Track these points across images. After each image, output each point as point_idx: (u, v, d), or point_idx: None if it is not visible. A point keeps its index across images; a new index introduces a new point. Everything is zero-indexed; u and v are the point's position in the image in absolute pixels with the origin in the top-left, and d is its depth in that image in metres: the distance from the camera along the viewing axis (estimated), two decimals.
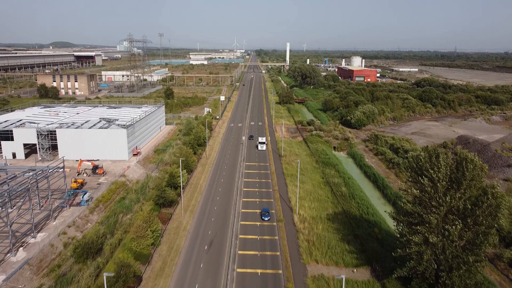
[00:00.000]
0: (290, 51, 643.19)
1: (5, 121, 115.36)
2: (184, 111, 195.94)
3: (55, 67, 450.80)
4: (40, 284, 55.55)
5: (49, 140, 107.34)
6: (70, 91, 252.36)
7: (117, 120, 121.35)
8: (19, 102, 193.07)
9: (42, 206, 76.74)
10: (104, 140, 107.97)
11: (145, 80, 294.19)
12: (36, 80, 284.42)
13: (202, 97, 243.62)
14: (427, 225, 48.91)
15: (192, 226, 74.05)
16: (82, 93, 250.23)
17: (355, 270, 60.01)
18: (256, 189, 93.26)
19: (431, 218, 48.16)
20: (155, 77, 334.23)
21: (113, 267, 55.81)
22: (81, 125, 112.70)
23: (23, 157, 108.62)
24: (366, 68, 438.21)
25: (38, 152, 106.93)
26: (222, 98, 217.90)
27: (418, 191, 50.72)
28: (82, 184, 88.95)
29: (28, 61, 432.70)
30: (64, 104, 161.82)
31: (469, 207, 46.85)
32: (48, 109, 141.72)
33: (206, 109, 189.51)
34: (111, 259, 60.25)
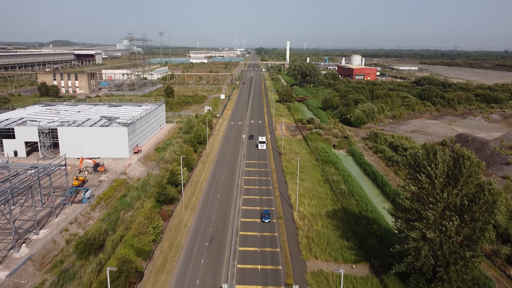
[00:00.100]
0: (290, 49, 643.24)
1: (7, 119, 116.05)
2: (184, 110, 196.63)
3: (55, 66, 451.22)
4: (43, 279, 56.29)
5: (50, 138, 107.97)
6: (70, 90, 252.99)
7: (118, 118, 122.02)
8: (20, 101, 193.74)
9: (44, 203, 77.46)
10: (105, 138, 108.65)
11: (145, 78, 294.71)
12: (37, 79, 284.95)
13: (202, 95, 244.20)
14: (424, 221, 49.67)
15: (192, 223, 74.81)
16: (82, 91, 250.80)
17: (354, 266, 60.77)
18: (256, 187, 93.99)
19: (429, 214, 48.90)
20: (155, 76, 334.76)
21: (115, 263, 56.54)
22: (82, 123, 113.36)
23: (24, 155, 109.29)
24: (366, 67, 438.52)
25: (39, 150, 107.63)
26: (222, 96, 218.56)
27: (416, 187, 51.47)
28: (83, 182, 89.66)
29: (28, 59, 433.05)
30: (65, 103, 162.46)
31: (466, 203, 47.62)
32: (49, 107, 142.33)
33: (207, 108, 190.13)
34: (113, 255, 61.01)
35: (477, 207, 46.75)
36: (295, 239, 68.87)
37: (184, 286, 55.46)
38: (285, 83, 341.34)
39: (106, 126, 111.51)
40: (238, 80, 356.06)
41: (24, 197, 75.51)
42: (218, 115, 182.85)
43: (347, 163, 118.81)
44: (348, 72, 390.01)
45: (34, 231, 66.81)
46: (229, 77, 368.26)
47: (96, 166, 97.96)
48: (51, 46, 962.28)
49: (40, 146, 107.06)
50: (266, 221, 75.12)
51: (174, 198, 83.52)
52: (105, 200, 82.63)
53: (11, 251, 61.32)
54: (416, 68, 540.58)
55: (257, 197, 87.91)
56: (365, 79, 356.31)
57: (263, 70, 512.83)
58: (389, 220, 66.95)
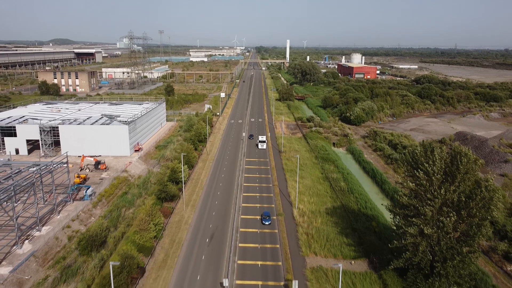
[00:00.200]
0: (290, 48, 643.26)
1: (8, 118, 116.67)
2: (184, 108, 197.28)
3: (55, 64, 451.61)
4: (46, 275, 57.06)
5: (51, 136, 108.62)
6: (71, 88, 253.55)
7: (119, 116, 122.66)
8: (20, 99, 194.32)
9: (46, 201, 78.18)
10: (106, 136, 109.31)
11: (146, 77, 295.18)
12: (37, 77, 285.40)
13: (202, 94, 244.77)
14: (422, 217, 50.38)
15: (193, 220, 75.55)
16: (83, 90, 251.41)
17: (353, 262, 61.51)
18: (256, 184, 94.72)
19: (426, 210, 49.60)
20: (156, 74, 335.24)
21: (117, 259, 57.19)
22: (83, 121, 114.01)
23: (26, 153, 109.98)
24: (366, 65, 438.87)
25: (40, 148, 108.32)
26: (222, 95, 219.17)
27: (413, 184, 52.18)
28: (85, 179, 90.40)
29: (28, 58, 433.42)
30: (66, 101, 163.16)
31: (463, 199, 48.29)
32: (50, 105, 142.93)
33: (207, 106, 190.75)
34: (114, 251, 61.71)
35: (474, 203, 47.42)
36: (295, 235, 69.60)
37: (185, 282, 56.22)
38: (285, 82, 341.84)
39: (107, 124, 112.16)
40: (238, 78, 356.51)
41: (26, 195, 76.19)
42: (218, 114, 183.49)
43: (347, 161, 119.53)
44: (348, 71, 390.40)
45: (37, 227, 67.53)
46: (229, 75, 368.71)
47: (97, 164, 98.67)
48: (51, 44, 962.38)
49: (42, 144, 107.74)
50: (266, 223, 73.42)
51: (175, 196, 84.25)
52: (106, 197, 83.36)
53: (14, 247, 62.07)
54: (416, 66, 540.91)
55: (257, 194, 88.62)
56: (365, 77, 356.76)
57: (263, 68, 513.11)
58: (388, 217, 67.64)
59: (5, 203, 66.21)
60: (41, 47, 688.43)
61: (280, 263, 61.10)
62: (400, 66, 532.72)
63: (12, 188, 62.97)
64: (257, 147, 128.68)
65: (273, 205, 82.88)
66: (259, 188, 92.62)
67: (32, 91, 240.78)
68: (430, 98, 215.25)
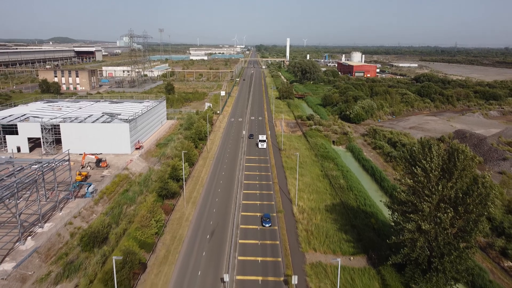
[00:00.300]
0: (290, 46, 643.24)
1: (9, 116, 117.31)
2: (185, 106, 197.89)
3: (56, 63, 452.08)
4: (49, 271, 57.83)
5: (53, 134, 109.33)
6: (71, 87, 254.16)
7: (120, 114, 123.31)
8: (21, 97, 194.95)
9: (48, 198, 78.90)
10: (107, 134, 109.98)
11: (146, 75, 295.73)
12: (38, 76, 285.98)
13: (203, 92, 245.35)
14: (420, 213, 51.11)
15: (194, 217, 76.29)
16: (83, 88, 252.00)
17: (351, 258, 62.27)
18: (257, 182, 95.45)
19: (424, 206, 50.33)
20: (156, 73, 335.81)
21: (119, 254, 57.92)
22: (84, 119, 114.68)
23: (27, 150, 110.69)
24: (366, 64, 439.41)
25: (42, 146, 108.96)
26: (223, 93, 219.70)
27: (411, 181, 52.89)
28: (86, 177, 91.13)
29: (28, 56, 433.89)
30: (67, 99, 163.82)
31: (460, 195, 49.03)
32: (51, 104, 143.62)
33: (207, 104, 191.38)
34: (116, 248, 62.45)
35: (471, 200, 48.13)
36: (295, 232, 70.36)
37: (186, 277, 56.99)
38: (285, 80, 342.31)
39: (108, 122, 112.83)
40: (238, 77, 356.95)
41: (29, 192, 76.93)
42: (218, 112, 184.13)
43: (346, 158, 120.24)
44: (348, 69, 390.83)
45: (39, 224, 68.27)
46: (229, 74, 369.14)
47: (99, 161, 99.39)
48: (51, 43, 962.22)
49: (43, 142, 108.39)
50: (267, 225, 72.02)
51: (176, 193, 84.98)
52: (107, 194, 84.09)
53: (17, 243, 62.83)
54: (416, 65, 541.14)
55: (257, 191, 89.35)
56: (365, 76, 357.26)
57: (263, 67, 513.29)
58: (387, 214, 68.37)
59: (8, 200, 67.11)
60: (41, 46, 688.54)
61: (280, 259, 61.86)
62: (400, 65, 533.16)
63: (14, 185, 63.66)
64: (257, 146, 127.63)
65: (273, 202, 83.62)
66: (259, 185, 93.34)
67: (32, 90, 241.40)
68: (430, 96, 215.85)
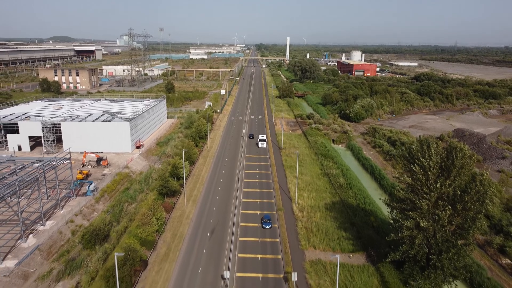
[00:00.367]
0: (290, 45, 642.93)
1: (10, 114, 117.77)
2: (185, 105, 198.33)
3: (56, 62, 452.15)
4: (51, 268, 58.34)
5: (53, 133, 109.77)
6: (71, 85, 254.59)
7: (120, 113, 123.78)
8: (21, 96, 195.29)
9: (49, 196, 79.40)
10: (108, 133, 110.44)
11: (146, 74, 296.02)
12: (38, 75, 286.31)
13: (203, 91, 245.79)
14: (418, 210, 51.59)
15: (194, 215, 76.80)
16: (83, 87, 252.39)
17: (351, 255, 62.78)
18: (257, 180, 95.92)
19: (423, 204, 50.81)
20: (156, 72, 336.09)
21: (120, 252, 58.39)
22: (85, 118, 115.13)
23: (28, 149, 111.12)
24: (366, 63, 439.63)
25: (43, 144, 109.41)
26: (223, 92, 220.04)
27: (410, 178, 53.38)
28: (87, 175, 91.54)
29: (28, 55, 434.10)
30: (67, 98, 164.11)
31: (458, 193, 49.47)
32: (51, 102, 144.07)
33: (207, 103, 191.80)
34: (117, 245, 62.91)
35: (469, 197, 48.59)
36: (294, 230, 70.86)
37: (187, 274, 57.50)
38: (285, 79, 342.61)
39: (109, 121, 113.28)
40: (238, 76, 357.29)
41: (30, 190, 77.41)
42: (218, 111, 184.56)
43: (346, 157, 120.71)
44: (348, 68, 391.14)
45: (41, 222, 68.79)
46: (229, 73, 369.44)
47: (99, 160, 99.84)
48: (51, 42, 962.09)
49: (44, 140, 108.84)
50: (267, 227, 70.68)
51: (176, 191, 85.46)
52: (108, 193, 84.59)
53: (19, 241, 63.33)
54: (416, 64, 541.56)
55: (257, 190, 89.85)
56: (365, 75, 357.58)
57: (263, 66, 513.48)
58: (386, 212, 68.85)
59: (9, 198, 67.55)
60: (41, 45, 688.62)
61: (279, 256, 62.37)
62: (400, 64, 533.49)
63: (16, 183, 64.15)
64: (257, 146, 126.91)
65: (273, 201, 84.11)
66: (259, 183, 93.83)
67: (33, 89, 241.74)
68: (429, 95, 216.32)
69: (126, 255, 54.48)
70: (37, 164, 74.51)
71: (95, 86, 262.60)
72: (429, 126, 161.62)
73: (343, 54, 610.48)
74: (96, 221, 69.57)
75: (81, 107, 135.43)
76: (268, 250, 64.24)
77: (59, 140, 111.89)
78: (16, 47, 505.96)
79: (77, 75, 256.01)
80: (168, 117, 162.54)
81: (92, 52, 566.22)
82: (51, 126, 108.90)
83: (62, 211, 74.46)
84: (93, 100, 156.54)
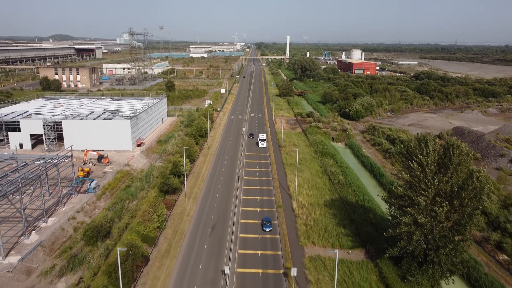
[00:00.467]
0: (290, 44, 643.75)
1: (12, 113, 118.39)
2: (185, 103, 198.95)
3: (56, 60, 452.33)
4: (53, 264, 59.10)
5: (55, 131, 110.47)
6: (72, 84, 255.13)
7: (121, 111, 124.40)
8: (22, 95, 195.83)
9: (51, 193, 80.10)
10: (109, 131, 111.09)
11: (146, 73, 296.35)
12: (38, 73, 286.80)
13: (203, 89, 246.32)
14: (416, 207, 52.31)
15: (195, 212, 77.53)
16: (84, 85, 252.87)
17: (350, 251, 63.53)
18: (257, 178, 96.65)
19: (420, 200, 51.52)
20: (156, 70, 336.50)
21: (122, 248, 59.12)
22: (86, 116, 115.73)
23: (29, 147, 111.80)
24: (366, 61, 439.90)
25: (44, 142, 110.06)
26: (223, 90, 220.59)
27: (408, 175, 54.07)
28: (88, 173, 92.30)
29: (28, 54, 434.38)
30: (68, 96, 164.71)
31: (456, 190, 50.18)
32: (52, 101, 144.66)
33: (207, 101, 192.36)
34: (119, 241, 63.62)
35: (466, 194, 49.27)
36: (294, 226, 71.61)
37: (188, 270, 58.25)
38: (285, 78, 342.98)
39: (110, 119, 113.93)
40: (238, 74, 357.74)
41: (32, 187, 78.06)
42: (218, 109, 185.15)
43: (345, 155, 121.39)
44: (347, 67, 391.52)
45: (43, 219, 69.52)
46: (229, 71, 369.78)
47: (100, 158, 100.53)
48: (51, 40, 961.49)
49: (45, 138, 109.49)
50: (267, 229, 69.40)
51: (177, 188, 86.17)
52: (110, 190, 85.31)
53: (22, 237, 64.06)
54: (416, 62, 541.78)
55: (257, 187, 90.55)
56: (365, 73, 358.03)
57: (263, 64, 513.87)
58: (385, 209, 69.59)
59: (11, 195, 68.21)
60: (41, 43, 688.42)
61: (279, 253, 63.12)
62: (400, 62, 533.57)
63: (19, 181, 64.83)
64: (257, 145, 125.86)
65: (272, 198, 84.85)
66: (259, 181, 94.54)
67: (33, 87, 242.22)
68: (429, 93, 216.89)
69: (128, 250, 55.19)
70: (39, 162, 75.14)
71: (95, 84, 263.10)
72: (429, 124, 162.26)
73: (343, 53, 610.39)
74: (98, 218, 70.33)
75: (82, 105, 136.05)
76: (268, 247, 64.98)
77: (60, 138, 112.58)
78: (16, 46, 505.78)
79: (77, 74, 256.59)
80: (168, 116, 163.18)
81: (92, 50, 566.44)
82: (52, 124, 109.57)
83: (64, 208, 75.19)
84: (93, 98, 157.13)
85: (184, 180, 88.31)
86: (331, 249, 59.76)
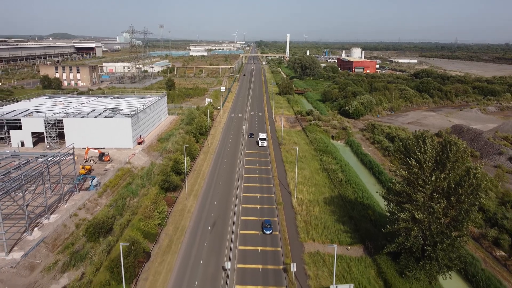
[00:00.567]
0: (290, 42, 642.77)
1: (13, 111, 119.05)
2: (185, 102, 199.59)
3: (56, 59, 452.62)
4: (56, 259, 59.87)
5: (56, 129, 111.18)
6: (72, 82, 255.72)
7: (122, 109, 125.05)
8: (23, 93, 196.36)
9: (53, 191, 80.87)
10: (110, 129, 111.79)
11: (146, 71, 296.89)
12: (39, 71, 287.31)
13: (203, 88, 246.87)
14: (414, 203, 53.07)
15: (196, 209, 78.30)
16: (84, 84, 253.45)
17: (349, 247, 64.31)
18: (257, 175, 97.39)
19: (418, 196, 52.27)
20: (156, 69, 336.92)
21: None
22: (87, 114, 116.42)
23: (31, 145, 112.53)
24: (366, 60, 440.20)
25: (45, 140, 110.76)
26: (223, 89, 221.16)
27: (406, 172, 54.80)
28: (90, 170, 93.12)
29: (29, 52, 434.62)
30: (69, 95, 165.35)
31: (453, 186, 50.91)
32: (53, 99, 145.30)
33: (207, 100, 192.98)
34: (121, 238, 64.40)
35: (463, 190, 50.00)
36: (294, 223, 72.38)
37: (189, 265, 59.04)
38: (285, 76, 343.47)
39: (110, 117, 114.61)
40: (238, 73, 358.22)
41: (34, 185, 78.75)
42: (218, 107, 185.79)
43: (345, 153, 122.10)
44: (347, 65, 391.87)
45: (45, 216, 70.29)
46: (229, 69, 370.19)
47: (102, 155, 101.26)
48: (50, 39, 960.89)
49: (46, 136, 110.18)
50: (268, 232, 68.19)
51: (178, 186, 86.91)
52: (111, 187, 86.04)
53: (24, 234, 64.83)
54: (416, 61, 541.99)
55: (257, 184, 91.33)
56: (365, 71, 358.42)
57: (263, 63, 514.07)
58: (383, 205, 70.30)
59: (14, 192, 68.94)
60: (41, 42, 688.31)
61: (279, 249, 63.91)
62: (400, 61, 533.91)
63: (22, 177, 65.58)
64: (257, 144, 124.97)
65: (272, 195, 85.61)
66: (259, 178, 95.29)
67: (33, 85, 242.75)
68: (428, 92, 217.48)
69: (129, 246, 55.94)
70: (42, 159, 75.91)
71: (95, 83, 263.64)
72: (428, 122, 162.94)
73: (343, 51, 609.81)
74: (100, 214, 71.07)
75: (82, 103, 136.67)
76: (268, 243, 65.76)
77: (61, 136, 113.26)
78: (16, 44, 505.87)
79: (77, 72, 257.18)
80: (168, 114, 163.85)
81: (92, 49, 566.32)
82: (53, 122, 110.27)
83: (66, 205, 75.96)
84: (94, 96, 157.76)
85: (184, 177, 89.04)
86: (332, 251, 60.46)
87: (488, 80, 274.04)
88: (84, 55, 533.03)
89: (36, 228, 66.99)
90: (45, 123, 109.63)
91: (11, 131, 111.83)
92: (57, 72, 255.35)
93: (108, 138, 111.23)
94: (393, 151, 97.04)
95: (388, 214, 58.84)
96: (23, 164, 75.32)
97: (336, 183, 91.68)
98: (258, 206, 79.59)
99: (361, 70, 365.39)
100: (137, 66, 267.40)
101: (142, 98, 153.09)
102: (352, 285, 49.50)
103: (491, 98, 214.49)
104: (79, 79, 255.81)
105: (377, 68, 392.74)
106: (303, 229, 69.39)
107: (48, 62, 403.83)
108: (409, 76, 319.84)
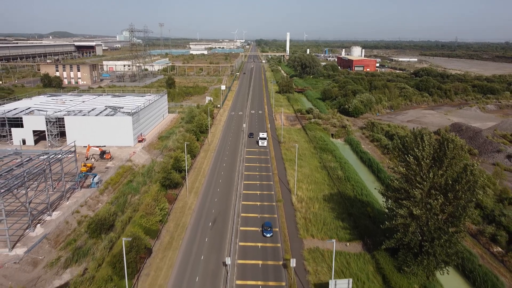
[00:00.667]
0: (290, 41, 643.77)
1: (14, 109, 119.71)
2: (185, 100, 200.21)
3: (56, 57, 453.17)
4: (58, 256, 60.66)
5: (57, 127, 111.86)
6: (73, 81, 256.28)
7: (122, 108, 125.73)
8: (23, 91, 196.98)
9: (55, 188, 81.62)
10: (110, 127, 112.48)
11: (146, 69, 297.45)
12: (39, 70, 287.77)
13: (203, 86, 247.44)
14: (412, 199, 53.79)
15: (196, 206, 79.05)
16: (84, 82, 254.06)
17: (348, 244, 65.07)
18: (257, 173, 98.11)
19: (416, 193, 52.99)
20: (156, 67, 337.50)
21: (125, 240, 60.59)
22: (88, 112, 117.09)
23: (32, 143, 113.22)
24: (366, 58, 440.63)
25: (47, 138, 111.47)
26: (223, 87, 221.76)
27: (404, 168, 55.52)
28: (91, 168, 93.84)
29: (29, 51, 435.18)
30: (70, 93, 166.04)
31: (450, 183, 51.62)
32: (54, 97, 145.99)
33: (208, 98, 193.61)
34: (122, 234, 65.02)
35: (460, 187, 50.71)
36: (293, 220, 73.13)
37: (189, 261, 59.81)
38: (285, 74, 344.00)
39: (111, 115, 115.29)
40: (238, 71, 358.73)
41: (36, 182, 79.45)
42: (219, 106, 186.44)
43: (344, 151, 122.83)
44: (347, 64, 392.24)
45: (48, 212, 71.05)
46: (229, 68, 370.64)
47: (103, 153, 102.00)
48: (50, 37, 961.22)
49: (48, 134, 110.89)
50: (268, 235, 66.96)
51: (179, 183, 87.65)
52: (112, 185, 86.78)
53: (27, 230, 65.57)
54: (416, 59, 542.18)
55: (257, 182, 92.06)
56: (365, 70, 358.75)
57: (263, 61, 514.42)
58: (382, 202, 71.01)
59: (17, 189, 69.68)
60: (41, 40, 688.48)
61: (279, 245, 64.66)
62: (400, 59, 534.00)
63: (24, 175, 66.30)
64: (257, 144, 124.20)
65: (272, 192, 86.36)
66: (259, 176, 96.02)
67: (34, 84, 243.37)
68: (428, 90, 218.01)
69: (131, 242, 56.73)
70: (44, 157, 76.60)
71: (96, 81, 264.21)
72: (427, 120, 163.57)
73: (343, 50, 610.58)
74: (101, 211, 71.79)
75: (83, 101, 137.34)
76: (268, 239, 66.49)
77: (62, 134, 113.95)
78: (17, 43, 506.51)
79: (78, 71, 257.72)
80: (169, 112, 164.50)
81: (92, 47, 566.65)
82: (54, 120, 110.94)
83: (67, 202, 76.71)
84: (95, 95, 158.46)
85: (185, 175, 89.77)
86: (331, 248, 61.15)
87: (488, 79, 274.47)
88: (84, 54, 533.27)
89: (39, 224, 67.69)
90: (46, 121, 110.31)
91: (12, 129, 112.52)
92: (58, 71, 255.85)
93: (109, 136, 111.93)
94: (392, 148, 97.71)
95: (387, 210, 59.57)
96: (25, 161, 76.05)
97: (335, 181, 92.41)
98: (258, 203, 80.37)
99: (361, 68, 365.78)
100: (137, 64, 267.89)
101: (142, 96, 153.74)
102: (351, 279, 50.23)
103: (490, 97, 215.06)
104: (79, 78, 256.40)
105: (377, 67, 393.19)
106: (302, 226, 70.14)
107: (48, 61, 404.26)
108: (409, 74, 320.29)
